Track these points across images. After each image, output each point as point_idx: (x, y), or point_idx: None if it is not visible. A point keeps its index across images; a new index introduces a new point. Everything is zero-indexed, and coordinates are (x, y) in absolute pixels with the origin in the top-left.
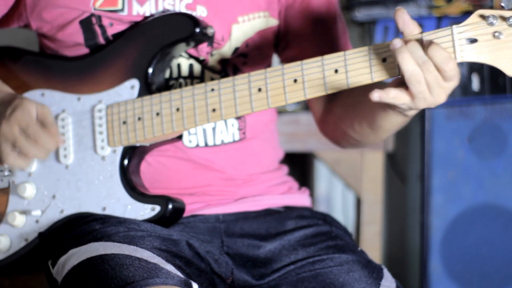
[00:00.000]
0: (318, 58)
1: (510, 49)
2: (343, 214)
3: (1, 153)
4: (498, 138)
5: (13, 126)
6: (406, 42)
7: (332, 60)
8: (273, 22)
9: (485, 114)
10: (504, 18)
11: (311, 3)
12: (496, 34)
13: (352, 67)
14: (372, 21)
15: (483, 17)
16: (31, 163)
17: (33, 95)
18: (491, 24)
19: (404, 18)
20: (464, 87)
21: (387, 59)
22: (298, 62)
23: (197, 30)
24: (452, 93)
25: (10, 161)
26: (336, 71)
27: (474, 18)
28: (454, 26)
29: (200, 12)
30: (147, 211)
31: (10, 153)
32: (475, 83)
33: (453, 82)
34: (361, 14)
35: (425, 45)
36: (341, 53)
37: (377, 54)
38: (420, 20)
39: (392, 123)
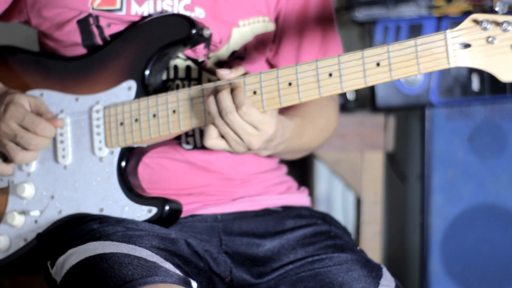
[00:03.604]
0: (313, 62)
1: (504, 54)
2: (343, 214)
3: (8, 154)
4: (498, 138)
5: (9, 123)
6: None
7: (326, 63)
8: (271, 27)
9: (485, 114)
10: (497, 23)
11: (308, 14)
12: (490, 39)
13: (346, 71)
14: (372, 21)
15: (476, 22)
16: (38, 155)
17: (32, 95)
18: (485, 29)
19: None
20: (464, 87)
21: (381, 63)
22: (293, 65)
23: (194, 31)
24: (452, 93)
25: (18, 159)
26: (330, 75)
27: (467, 22)
28: (448, 31)
29: (198, 14)
30: (144, 213)
31: (16, 151)
32: (475, 83)
33: (260, 131)
34: (361, 14)
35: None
36: (335, 57)
37: (370, 58)
38: (420, 20)
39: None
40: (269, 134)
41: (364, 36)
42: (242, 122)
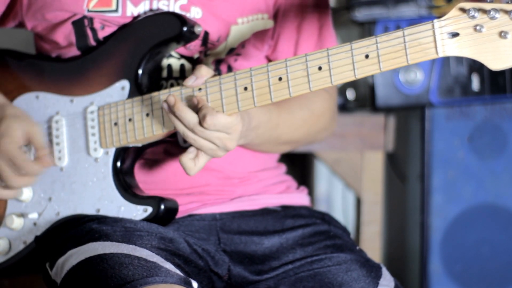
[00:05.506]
0: (302, 56)
1: (492, 42)
2: (343, 214)
3: None
4: (498, 138)
5: None
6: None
7: (315, 57)
8: (270, 24)
9: (485, 114)
10: (485, 11)
11: (306, 9)
12: (478, 27)
13: (335, 64)
14: (372, 21)
15: (463, 10)
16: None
17: (28, 97)
18: (473, 17)
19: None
20: (464, 87)
21: (370, 55)
22: (282, 60)
23: (185, 29)
24: (452, 93)
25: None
26: (320, 68)
27: (455, 11)
28: (435, 20)
29: (194, 14)
30: (140, 212)
31: None
32: (475, 83)
33: (230, 134)
34: (361, 14)
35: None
36: (324, 50)
37: (359, 50)
38: (420, 20)
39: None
40: (239, 131)
41: (364, 36)
42: (209, 132)
